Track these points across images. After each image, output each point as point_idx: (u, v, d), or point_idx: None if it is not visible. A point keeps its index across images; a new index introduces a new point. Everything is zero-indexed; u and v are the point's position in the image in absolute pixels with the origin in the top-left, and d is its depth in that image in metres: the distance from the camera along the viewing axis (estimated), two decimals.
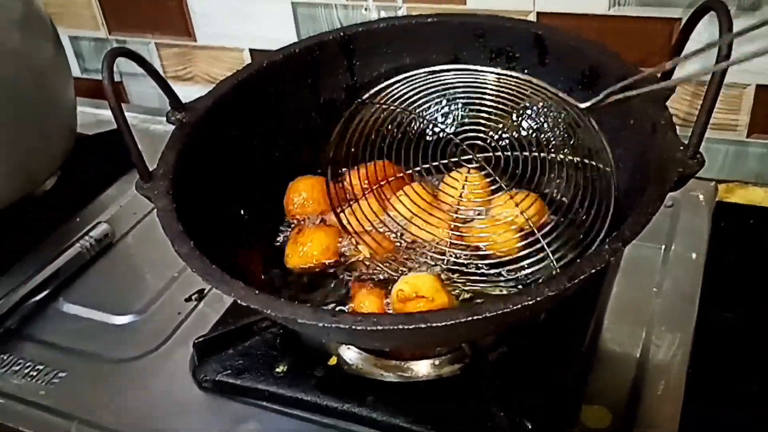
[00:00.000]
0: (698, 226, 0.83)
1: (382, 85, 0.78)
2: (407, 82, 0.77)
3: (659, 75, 0.65)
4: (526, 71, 0.77)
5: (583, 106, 0.70)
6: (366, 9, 0.98)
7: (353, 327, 0.50)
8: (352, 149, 0.75)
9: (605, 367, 0.68)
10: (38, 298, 0.83)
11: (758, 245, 0.81)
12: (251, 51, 1.11)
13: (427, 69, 0.77)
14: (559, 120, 0.73)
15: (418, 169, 0.74)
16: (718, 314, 0.73)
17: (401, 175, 0.76)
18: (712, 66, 0.55)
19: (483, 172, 0.73)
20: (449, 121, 0.79)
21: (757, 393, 0.66)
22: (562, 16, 0.89)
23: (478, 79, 0.76)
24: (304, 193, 0.77)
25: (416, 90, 0.77)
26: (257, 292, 0.54)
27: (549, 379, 0.66)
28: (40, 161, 0.95)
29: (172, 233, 0.60)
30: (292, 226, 0.77)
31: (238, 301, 0.54)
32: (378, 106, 0.76)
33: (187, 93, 0.74)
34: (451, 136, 0.76)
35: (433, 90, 0.77)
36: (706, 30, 0.61)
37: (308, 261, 0.72)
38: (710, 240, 0.81)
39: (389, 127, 0.75)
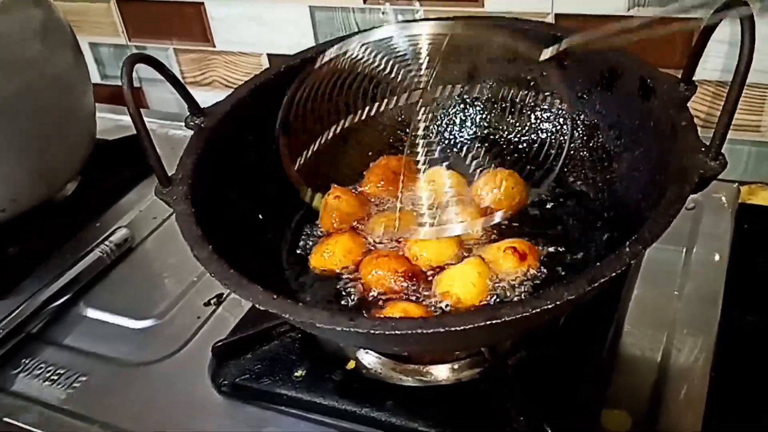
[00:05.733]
0: (720, 229, 0.82)
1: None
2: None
3: (679, 77, 0.65)
4: (544, 73, 0.76)
5: (541, 59, 0.68)
6: (383, 12, 0.98)
7: (371, 331, 0.50)
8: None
9: (626, 371, 0.68)
10: (59, 302, 0.83)
11: None
12: (269, 56, 1.11)
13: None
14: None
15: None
16: (741, 317, 0.72)
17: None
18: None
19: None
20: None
21: None
22: (580, 17, 0.89)
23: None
24: (333, 213, 0.77)
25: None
26: (275, 296, 0.54)
27: (569, 383, 0.65)
28: (60, 166, 0.97)
29: (191, 238, 0.60)
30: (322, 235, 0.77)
31: (257, 306, 0.54)
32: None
33: (206, 98, 0.75)
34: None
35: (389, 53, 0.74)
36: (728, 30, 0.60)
37: (330, 263, 0.72)
38: (733, 242, 0.80)
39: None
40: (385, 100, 0.73)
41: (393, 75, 0.72)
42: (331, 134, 0.75)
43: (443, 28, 0.72)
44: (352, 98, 0.74)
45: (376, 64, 0.73)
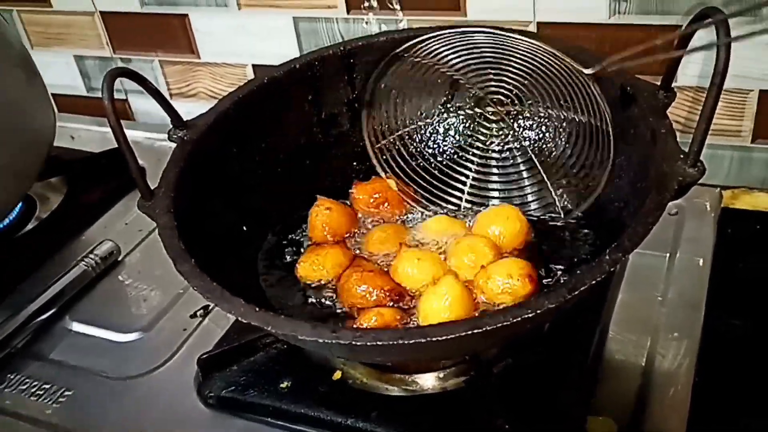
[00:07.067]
0: (704, 233, 0.82)
1: (416, 40, 0.77)
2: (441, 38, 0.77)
3: (659, 84, 0.66)
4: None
5: (587, 72, 0.68)
6: (367, 22, 0.98)
7: (353, 342, 0.50)
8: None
9: (611, 378, 0.68)
10: (44, 317, 0.83)
11: (765, 251, 0.81)
12: (254, 67, 1.11)
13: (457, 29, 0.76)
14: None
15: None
16: (725, 322, 0.72)
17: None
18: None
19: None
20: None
21: (766, 402, 0.65)
22: (562, 26, 0.89)
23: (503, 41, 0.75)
24: (325, 225, 0.77)
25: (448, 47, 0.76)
26: (258, 309, 0.54)
27: (554, 390, 0.65)
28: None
29: (174, 251, 0.60)
30: (309, 245, 0.78)
31: (239, 319, 0.54)
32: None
33: (191, 109, 0.75)
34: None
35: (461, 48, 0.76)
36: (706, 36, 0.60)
37: (319, 274, 0.73)
38: (716, 247, 0.80)
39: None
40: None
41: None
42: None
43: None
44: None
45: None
